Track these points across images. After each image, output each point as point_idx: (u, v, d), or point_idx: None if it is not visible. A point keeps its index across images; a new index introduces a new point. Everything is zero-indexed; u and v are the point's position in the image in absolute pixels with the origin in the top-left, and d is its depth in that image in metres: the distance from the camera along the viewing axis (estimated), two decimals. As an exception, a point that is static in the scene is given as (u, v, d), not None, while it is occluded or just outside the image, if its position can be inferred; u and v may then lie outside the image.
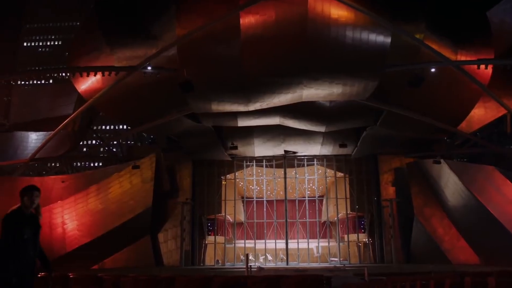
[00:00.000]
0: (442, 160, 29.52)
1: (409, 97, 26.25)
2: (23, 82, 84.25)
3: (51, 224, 30.00)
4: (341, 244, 35.89)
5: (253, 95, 24.44)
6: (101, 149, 42.36)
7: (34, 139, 35.07)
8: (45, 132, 33.40)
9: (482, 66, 23.59)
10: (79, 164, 54.40)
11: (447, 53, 25.28)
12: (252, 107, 25.49)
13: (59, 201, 30.51)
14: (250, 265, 20.77)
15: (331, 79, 23.25)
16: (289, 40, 21.73)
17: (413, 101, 26.58)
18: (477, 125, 31.34)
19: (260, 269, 22.42)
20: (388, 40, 21.70)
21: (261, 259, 34.88)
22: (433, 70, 24.50)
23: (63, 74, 41.89)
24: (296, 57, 22.21)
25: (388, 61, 23.48)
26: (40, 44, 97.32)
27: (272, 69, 22.90)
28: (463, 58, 25.94)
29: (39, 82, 78.31)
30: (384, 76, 23.86)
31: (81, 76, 24.02)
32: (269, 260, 35.00)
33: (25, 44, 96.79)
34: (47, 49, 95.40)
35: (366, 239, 34.78)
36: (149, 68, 23.22)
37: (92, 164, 58.06)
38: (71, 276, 10.79)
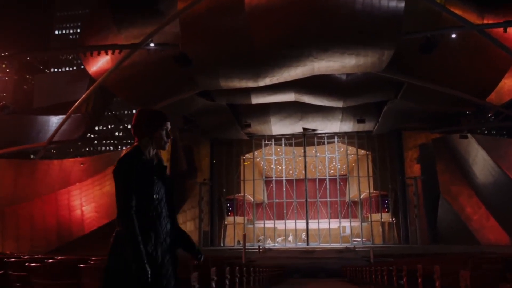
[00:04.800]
0: (469, 135, 27.67)
1: (431, 68, 24.52)
2: (56, 70, 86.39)
3: (69, 206, 30.39)
4: (364, 224, 34.69)
5: (262, 69, 23.41)
6: (120, 134, 42.53)
7: (55, 122, 35.44)
8: (65, 116, 33.70)
9: (510, 30, 21.53)
10: (105, 148, 55.16)
11: (472, 18, 23.37)
12: (262, 82, 24.48)
13: (77, 183, 30.78)
14: (259, 245, 20.11)
15: (343, 49, 21.86)
16: (295, 8, 20.48)
17: (436, 71, 24.83)
18: (508, 96, 29.08)
19: (266, 250, 21.72)
20: (402, 4, 20.03)
21: (279, 239, 34.24)
22: (454, 36, 22.63)
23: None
24: (303, 27, 20.95)
25: (406, 28, 21.86)
26: (71, 31, 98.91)
27: (279, 41, 21.75)
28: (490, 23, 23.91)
29: (71, 69, 79.78)
30: (402, 45, 22.22)
31: (85, 55, 23.73)
32: (289, 241, 34.32)
33: (56, 32, 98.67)
34: (78, 36, 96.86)
35: (390, 219, 33.41)
36: (152, 44, 22.55)
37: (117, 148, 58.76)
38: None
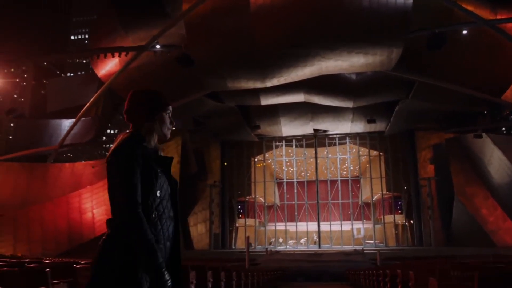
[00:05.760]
0: (484, 134, 26.89)
1: (443, 65, 23.94)
2: (72, 74, 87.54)
3: (80, 209, 30.55)
4: (377, 226, 34.08)
5: (269, 69, 23.14)
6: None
7: (67, 126, 35.76)
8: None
9: (524, 25, 20.85)
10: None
11: (485, 14, 22.68)
12: (269, 83, 24.22)
13: (88, 186, 30.94)
14: (266, 248, 19.80)
15: (350, 48, 21.45)
16: (300, 7, 20.16)
17: (448, 69, 24.24)
18: (525, 94, 28.20)
19: (273, 252, 21.40)
20: (410, 1, 19.54)
21: (291, 242, 33.86)
22: (465, 32, 22.01)
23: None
24: (308, 25, 20.59)
25: (416, 25, 21.34)
26: (87, 36, 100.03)
27: (284, 40, 21.44)
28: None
29: (84, 73, 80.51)
30: (412, 43, 21.72)
31: (92, 58, 23.76)
32: (301, 243, 33.91)
33: (72, 37, 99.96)
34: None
35: (404, 221, 32.75)
36: (158, 46, 22.49)
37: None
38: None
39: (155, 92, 2.62)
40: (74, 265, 4.49)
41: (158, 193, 2.41)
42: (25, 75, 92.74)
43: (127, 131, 2.57)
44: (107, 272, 2.30)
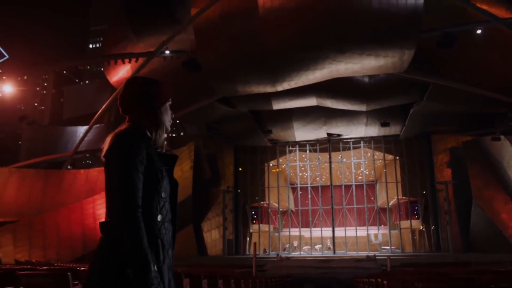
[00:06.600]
0: (502, 137, 26.13)
1: (458, 66, 23.41)
2: (87, 82, 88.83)
3: (95, 215, 30.73)
4: (393, 231, 33.39)
5: (279, 73, 22.94)
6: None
7: (82, 132, 36.21)
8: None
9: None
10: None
11: (501, 13, 22.08)
12: (280, 87, 23.99)
13: (102, 192, 31.10)
14: (277, 253, 19.51)
15: (361, 50, 21.10)
16: (309, 9, 19.93)
17: (463, 70, 23.68)
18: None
19: (282, 258, 21.08)
20: (421, 1, 19.13)
21: (305, 248, 33.44)
22: (479, 31, 21.45)
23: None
24: (318, 28, 20.35)
25: (429, 24, 20.89)
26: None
27: (294, 43, 21.21)
28: (521, 17, 22.52)
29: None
30: (425, 44, 21.26)
31: (103, 64, 23.91)
32: (316, 249, 33.47)
33: (90, 46, 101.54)
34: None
35: (421, 226, 32.01)
36: (167, 52, 22.52)
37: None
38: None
39: (156, 80, 2.37)
40: (18, 272, 4.32)
41: (163, 195, 2.18)
42: (45, 84, 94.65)
43: (125, 124, 2.31)
44: (101, 281, 2.06)
